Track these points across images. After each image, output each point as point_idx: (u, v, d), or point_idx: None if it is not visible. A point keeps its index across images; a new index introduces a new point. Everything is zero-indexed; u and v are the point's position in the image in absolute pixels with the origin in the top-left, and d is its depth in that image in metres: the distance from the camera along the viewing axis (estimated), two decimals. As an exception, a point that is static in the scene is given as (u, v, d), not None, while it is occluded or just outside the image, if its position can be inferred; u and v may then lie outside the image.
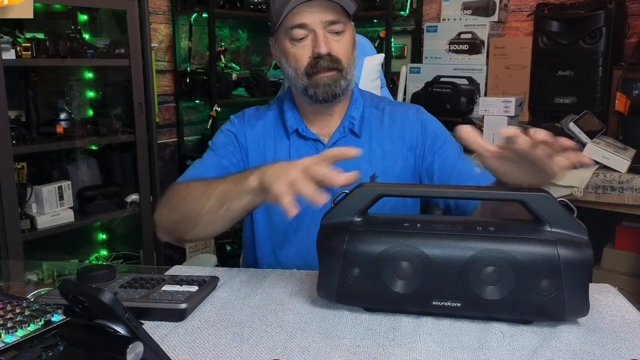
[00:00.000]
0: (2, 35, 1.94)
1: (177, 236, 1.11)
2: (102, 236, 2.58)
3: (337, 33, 1.10)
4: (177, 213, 1.05)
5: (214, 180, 1.02)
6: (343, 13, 1.10)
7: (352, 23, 1.16)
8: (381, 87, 1.61)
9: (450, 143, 1.20)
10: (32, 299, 0.87)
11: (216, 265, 1.14)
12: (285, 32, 1.11)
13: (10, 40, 1.95)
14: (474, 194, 0.91)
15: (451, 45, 2.72)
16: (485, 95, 2.61)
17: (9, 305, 0.80)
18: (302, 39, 1.09)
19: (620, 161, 1.96)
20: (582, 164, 0.82)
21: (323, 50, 1.08)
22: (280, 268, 1.12)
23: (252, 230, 1.22)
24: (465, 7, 2.69)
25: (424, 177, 1.19)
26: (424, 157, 1.19)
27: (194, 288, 0.88)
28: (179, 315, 0.83)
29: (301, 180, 0.83)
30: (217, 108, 2.82)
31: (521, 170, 0.84)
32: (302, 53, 1.10)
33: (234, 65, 3.13)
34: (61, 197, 2.19)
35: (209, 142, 1.24)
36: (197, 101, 3.06)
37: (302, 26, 1.08)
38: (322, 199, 0.81)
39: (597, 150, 2.00)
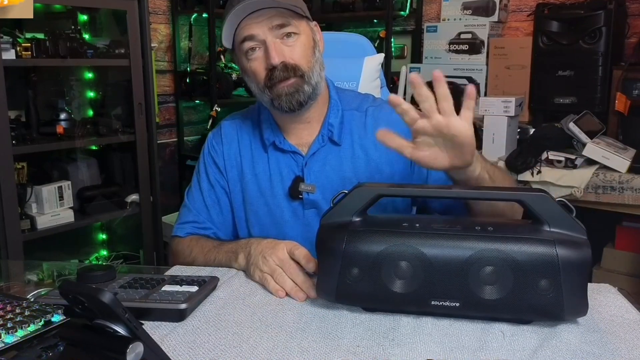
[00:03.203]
0: (2, 35, 1.94)
1: None
2: (102, 236, 2.59)
3: (289, 37, 1.05)
4: (187, 264, 1.14)
5: (211, 248, 1.11)
6: (293, 15, 1.06)
7: (312, 21, 1.12)
8: (381, 87, 1.61)
9: None
10: (32, 299, 0.87)
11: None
12: (238, 47, 1.07)
13: (10, 40, 1.96)
14: (473, 194, 0.92)
15: (451, 45, 2.72)
16: (485, 95, 2.61)
17: (9, 305, 0.80)
18: (255, 51, 1.05)
19: (620, 161, 1.96)
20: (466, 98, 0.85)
21: (275, 60, 1.03)
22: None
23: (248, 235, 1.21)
24: (465, 7, 2.69)
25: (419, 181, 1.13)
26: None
27: (194, 288, 0.88)
28: (179, 316, 0.83)
29: (280, 273, 0.93)
30: (217, 108, 2.82)
31: (442, 151, 0.87)
32: (257, 66, 1.06)
33: (234, 65, 3.13)
34: (61, 197, 2.19)
35: (196, 168, 1.24)
36: (197, 101, 3.06)
37: (250, 38, 1.04)
38: (300, 296, 0.90)
39: (597, 150, 2.00)
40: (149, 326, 0.80)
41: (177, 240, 1.20)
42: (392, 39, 2.94)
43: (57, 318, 0.77)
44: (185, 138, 3.09)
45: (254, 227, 1.17)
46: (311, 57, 1.08)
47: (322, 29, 1.19)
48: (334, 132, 1.13)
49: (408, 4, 2.98)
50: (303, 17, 1.08)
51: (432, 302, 0.79)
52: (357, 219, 0.85)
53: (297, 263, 0.94)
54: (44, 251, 2.19)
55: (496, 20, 2.64)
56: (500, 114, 2.15)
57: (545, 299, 0.76)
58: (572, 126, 2.08)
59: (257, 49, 1.05)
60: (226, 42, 1.09)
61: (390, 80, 2.87)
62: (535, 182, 2.03)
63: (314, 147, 1.14)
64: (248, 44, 1.05)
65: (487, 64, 2.63)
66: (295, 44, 1.06)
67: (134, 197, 2.41)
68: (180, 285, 0.89)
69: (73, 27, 2.26)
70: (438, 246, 0.79)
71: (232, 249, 1.06)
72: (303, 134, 1.15)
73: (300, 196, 1.12)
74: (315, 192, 1.12)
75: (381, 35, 2.99)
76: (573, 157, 2.03)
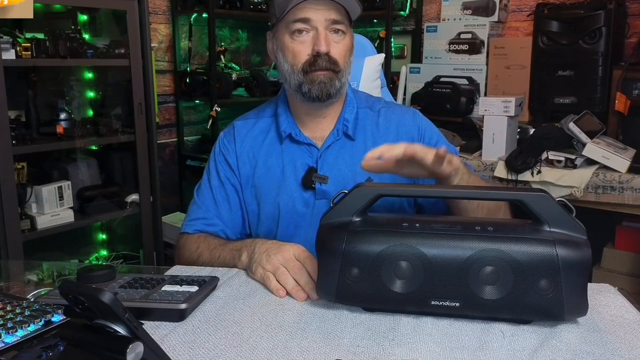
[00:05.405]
0: (2, 35, 1.94)
1: None
2: (102, 236, 2.59)
3: (337, 33, 1.11)
4: (191, 263, 1.14)
5: (217, 245, 1.12)
6: (346, 17, 1.12)
7: (352, 30, 1.17)
8: (381, 87, 1.61)
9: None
10: (32, 299, 0.87)
11: (216, 265, 1.15)
12: (286, 25, 1.11)
13: (10, 40, 1.96)
14: (474, 194, 0.92)
15: (451, 45, 2.72)
16: (485, 95, 2.61)
17: (9, 305, 0.80)
18: (302, 34, 1.10)
19: (620, 161, 1.96)
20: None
21: (323, 48, 1.09)
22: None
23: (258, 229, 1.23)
24: (465, 7, 2.69)
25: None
26: None
27: (194, 288, 0.88)
28: (179, 315, 0.83)
29: (283, 271, 0.93)
30: (217, 108, 2.82)
31: (420, 169, 0.97)
32: (301, 49, 1.11)
33: (233, 65, 3.13)
34: (61, 197, 2.19)
35: (206, 166, 1.26)
36: (197, 101, 3.06)
37: (305, 21, 1.09)
38: (301, 296, 0.90)
39: (597, 150, 2.00)
40: (149, 326, 0.80)
41: (185, 237, 1.20)
42: (392, 39, 2.94)
43: (57, 318, 0.77)
44: (185, 138, 3.09)
45: (267, 220, 1.19)
46: (348, 59, 1.15)
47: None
48: (349, 126, 1.18)
49: (408, 4, 2.98)
50: (351, 23, 1.15)
51: (432, 302, 0.79)
52: (357, 219, 0.85)
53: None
54: (44, 251, 2.19)
55: (496, 20, 2.64)
56: (500, 114, 2.15)
57: (545, 299, 0.76)
58: (572, 126, 2.08)
59: (306, 32, 1.10)
60: (274, 16, 1.14)
61: (390, 80, 2.87)
62: (535, 182, 2.03)
63: (329, 140, 1.18)
64: (299, 25, 1.09)
65: (487, 64, 2.63)
66: (341, 42, 1.12)
67: (134, 197, 2.41)
68: (180, 285, 0.89)
69: (73, 27, 2.26)
70: (438, 246, 0.79)
71: (236, 247, 1.07)
72: (318, 127, 1.19)
73: (313, 185, 1.15)
74: (328, 183, 1.15)
75: (381, 35, 2.99)
76: (573, 157, 2.03)
